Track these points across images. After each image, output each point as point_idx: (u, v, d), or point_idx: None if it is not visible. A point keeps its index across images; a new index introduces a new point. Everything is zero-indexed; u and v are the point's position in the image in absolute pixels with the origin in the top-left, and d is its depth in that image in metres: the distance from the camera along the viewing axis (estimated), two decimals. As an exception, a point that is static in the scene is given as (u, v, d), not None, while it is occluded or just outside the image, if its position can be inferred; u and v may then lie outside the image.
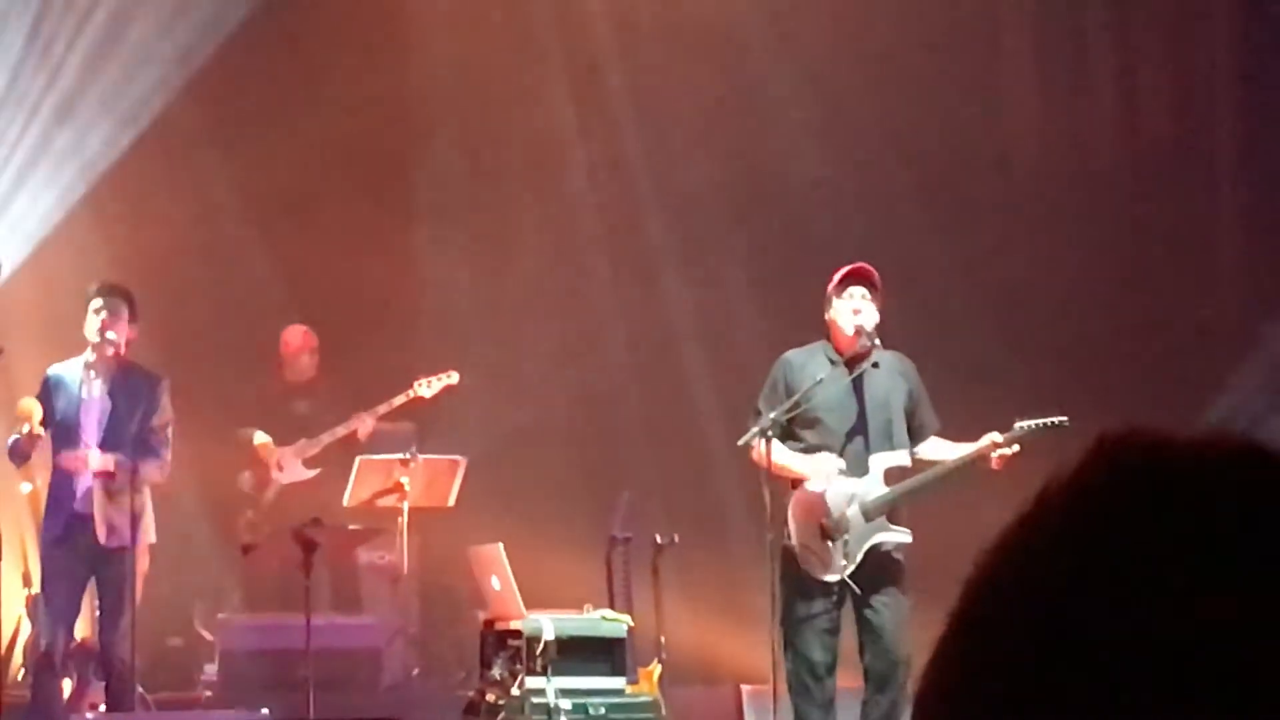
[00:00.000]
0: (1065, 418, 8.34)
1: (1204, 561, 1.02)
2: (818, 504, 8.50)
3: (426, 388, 11.43)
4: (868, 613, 8.44)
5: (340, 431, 11.52)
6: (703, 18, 12.81)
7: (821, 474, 8.54)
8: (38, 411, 9.49)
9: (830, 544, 8.43)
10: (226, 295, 12.53)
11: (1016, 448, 8.37)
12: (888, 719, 8.40)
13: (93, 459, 9.42)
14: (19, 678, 10.68)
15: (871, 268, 8.65)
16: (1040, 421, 8.40)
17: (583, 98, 12.88)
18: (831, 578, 8.44)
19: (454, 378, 11.53)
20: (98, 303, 9.55)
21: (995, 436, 8.45)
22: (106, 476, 9.36)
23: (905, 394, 8.69)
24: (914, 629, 8.41)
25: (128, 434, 9.40)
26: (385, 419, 11.52)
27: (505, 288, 12.86)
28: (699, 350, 12.64)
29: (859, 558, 8.44)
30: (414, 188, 13.00)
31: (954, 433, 8.81)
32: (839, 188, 12.56)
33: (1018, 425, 8.44)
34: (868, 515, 8.48)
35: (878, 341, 8.63)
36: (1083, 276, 12.62)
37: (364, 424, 11.47)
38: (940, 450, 8.71)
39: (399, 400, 11.42)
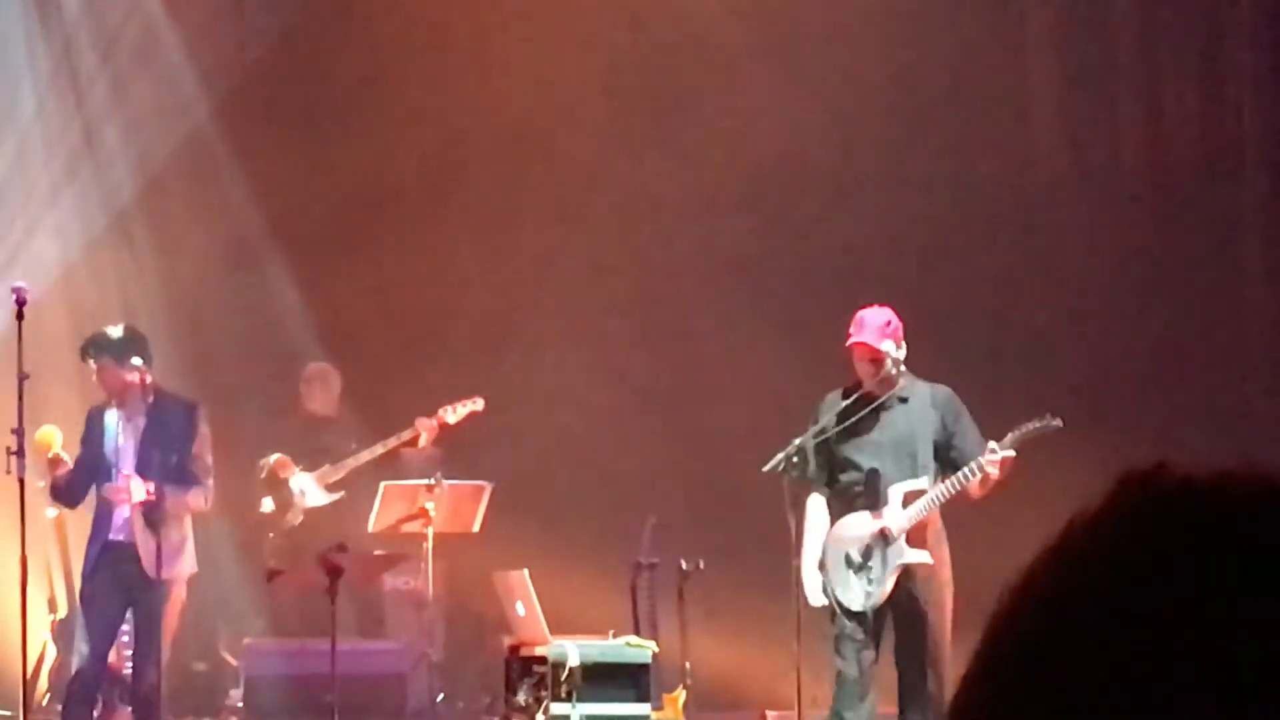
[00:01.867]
0: (1059, 420, 8.35)
1: (1230, 599, 1.01)
2: (844, 536, 8.61)
3: (452, 414, 11.42)
4: (899, 632, 8.57)
5: (365, 457, 11.50)
6: (724, 50, 12.85)
7: (810, 566, 8.61)
8: (57, 439, 9.52)
9: (855, 575, 8.53)
10: (253, 324, 12.53)
11: (1012, 452, 8.37)
12: None
13: (134, 489, 9.39)
14: (44, 703, 10.70)
15: (867, 342, 8.56)
16: (1033, 424, 8.41)
17: (615, 129, 12.90)
18: (858, 607, 8.54)
19: (479, 404, 11.52)
20: (88, 364, 9.54)
21: (992, 444, 8.45)
22: (149, 503, 9.32)
23: (936, 426, 8.66)
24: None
25: (162, 463, 9.39)
26: (410, 444, 11.50)
27: (531, 313, 12.87)
28: (724, 376, 12.63)
29: (888, 583, 8.53)
30: (441, 220, 13.00)
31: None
32: (863, 210, 12.55)
33: (1010, 435, 8.44)
34: (890, 539, 8.54)
35: (902, 369, 8.63)
36: (1107, 296, 12.61)
37: (427, 426, 11.38)
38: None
39: (425, 426, 11.38)
